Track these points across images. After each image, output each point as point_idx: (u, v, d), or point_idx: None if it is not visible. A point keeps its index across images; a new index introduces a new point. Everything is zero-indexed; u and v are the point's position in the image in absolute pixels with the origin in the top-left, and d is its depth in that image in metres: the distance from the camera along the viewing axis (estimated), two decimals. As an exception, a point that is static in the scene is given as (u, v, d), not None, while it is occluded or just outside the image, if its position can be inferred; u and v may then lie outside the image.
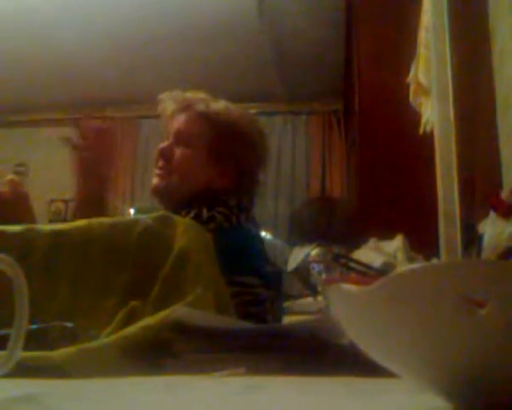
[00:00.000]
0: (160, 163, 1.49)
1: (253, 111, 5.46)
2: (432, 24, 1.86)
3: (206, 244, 0.99)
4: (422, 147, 2.13)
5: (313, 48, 4.33)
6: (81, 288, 0.95)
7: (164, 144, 1.50)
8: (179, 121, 1.50)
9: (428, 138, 1.98)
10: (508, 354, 0.32)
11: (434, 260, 1.66)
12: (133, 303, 0.89)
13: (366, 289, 0.36)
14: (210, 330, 0.77)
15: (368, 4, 2.92)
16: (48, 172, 5.52)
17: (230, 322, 0.83)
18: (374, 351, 0.39)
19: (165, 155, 1.48)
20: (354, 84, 3.19)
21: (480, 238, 1.17)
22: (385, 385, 0.50)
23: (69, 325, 0.85)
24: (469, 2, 1.74)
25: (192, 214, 1.31)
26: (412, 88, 2.21)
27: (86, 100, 5.28)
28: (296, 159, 5.19)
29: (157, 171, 1.49)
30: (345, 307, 0.39)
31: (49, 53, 4.41)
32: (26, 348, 0.55)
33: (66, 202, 5.53)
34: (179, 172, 1.46)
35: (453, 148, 1.74)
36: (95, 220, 1.02)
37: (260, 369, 0.68)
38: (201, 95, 1.53)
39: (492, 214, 1.11)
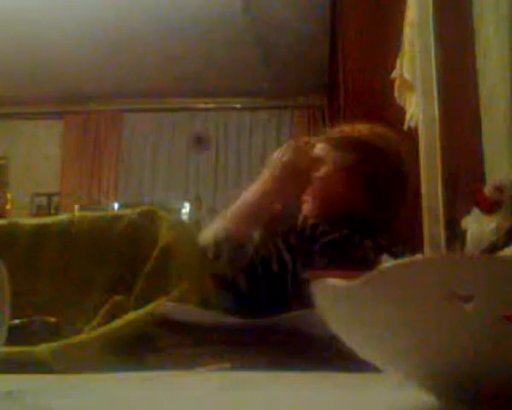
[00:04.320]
0: None
1: (237, 106, 5.47)
2: (416, 20, 1.86)
3: (192, 240, 0.98)
4: (406, 143, 2.13)
5: (298, 43, 4.33)
6: (64, 282, 0.94)
7: None
8: None
9: (412, 134, 1.99)
10: (493, 348, 0.33)
11: (419, 255, 1.67)
12: (117, 298, 0.89)
13: (350, 285, 0.36)
14: (194, 325, 0.77)
15: (352, 0, 2.92)
16: (29, 165, 5.48)
17: (215, 317, 0.82)
18: (358, 346, 0.39)
19: None
20: (339, 80, 3.20)
21: (463, 234, 1.18)
22: (370, 380, 0.50)
23: (52, 319, 0.84)
24: (454, -1, 1.75)
25: None
26: (397, 84, 2.22)
27: (70, 93, 5.24)
28: (281, 154, 5.19)
29: None
30: (329, 302, 0.39)
31: (32, 47, 4.37)
32: (8, 343, 0.54)
33: (49, 195, 5.49)
34: None
35: (437, 143, 1.75)
36: (78, 214, 1.01)
37: (245, 364, 0.68)
38: None
39: (476, 210, 1.12)
